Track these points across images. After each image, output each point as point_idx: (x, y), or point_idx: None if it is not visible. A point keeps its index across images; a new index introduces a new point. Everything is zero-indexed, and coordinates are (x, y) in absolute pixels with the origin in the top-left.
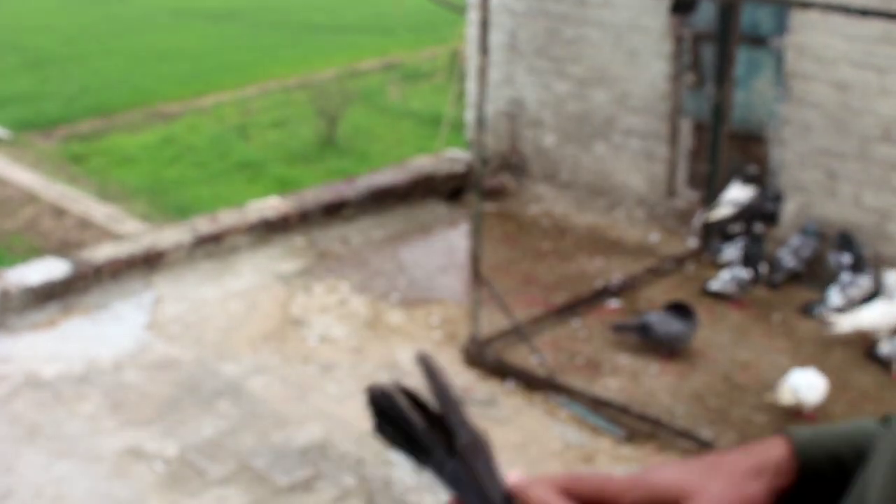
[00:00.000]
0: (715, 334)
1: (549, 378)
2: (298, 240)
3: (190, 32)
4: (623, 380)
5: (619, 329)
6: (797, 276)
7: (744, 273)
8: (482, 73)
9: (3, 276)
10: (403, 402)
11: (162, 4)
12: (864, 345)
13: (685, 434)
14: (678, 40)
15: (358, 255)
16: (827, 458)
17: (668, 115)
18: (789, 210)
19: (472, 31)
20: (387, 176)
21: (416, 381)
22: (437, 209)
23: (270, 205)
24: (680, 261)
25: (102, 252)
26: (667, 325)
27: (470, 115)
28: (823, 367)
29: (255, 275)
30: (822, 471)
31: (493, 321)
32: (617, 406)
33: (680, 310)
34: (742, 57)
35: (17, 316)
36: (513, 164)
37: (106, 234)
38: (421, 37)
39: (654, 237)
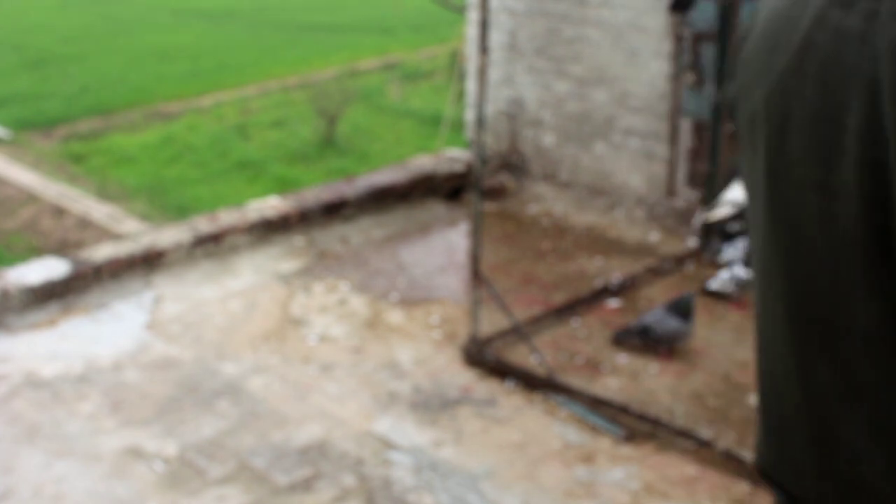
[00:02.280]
0: (714, 334)
1: (548, 378)
2: (298, 239)
3: (190, 32)
4: (623, 379)
5: (620, 337)
6: None
7: (742, 272)
8: (482, 72)
9: (3, 276)
10: None
11: (162, 4)
12: None
13: (685, 434)
14: (678, 40)
15: (358, 255)
16: None
17: (668, 115)
18: None
19: (471, 30)
20: (386, 175)
21: (416, 381)
22: (436, 209)
23: (270, 204)
24: (680, 260)
25: (102, 252)
26: (665, 323)
27: (470, 115)
28: None
29: (255, 274)
30: None
31: (492, 321)
32: (616, 406)
33: (679, 307)
34: None
35: (17, 315)
36: (513, 163)
37: (105, 234)
38: (421, 37)
39: (654, 237)
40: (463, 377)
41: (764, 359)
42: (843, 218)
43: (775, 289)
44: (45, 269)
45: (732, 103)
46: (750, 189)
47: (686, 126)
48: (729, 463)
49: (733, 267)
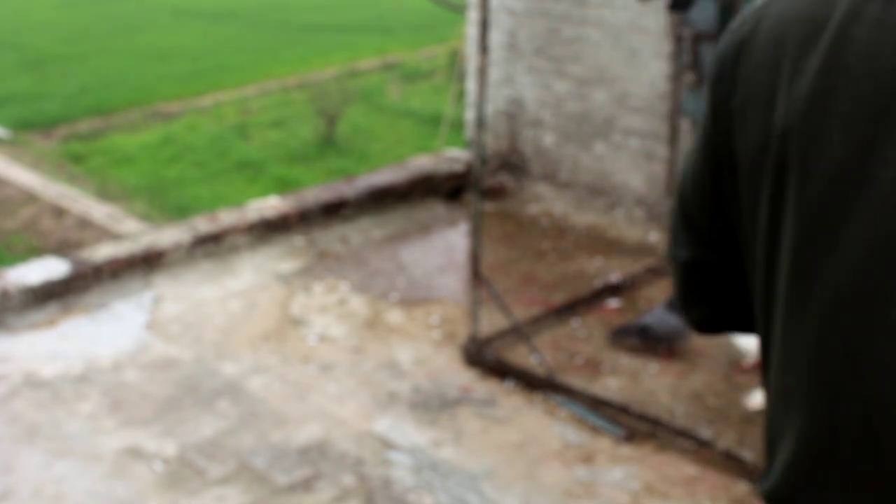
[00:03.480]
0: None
1: (548, 378)
2: (298, 239)
3: (190, 32)
4: (623, 379)
5: (619, 336)
6: None
7: None
8: (482, 72)
9: (3, 276)
10: None
11: (162, 4)
12: None
13: (685, 434)
14: (678, 40)
15: (357, 255)
16: None
17: (668, 115)
18: None
19: (471, 30)
20: (386, 175)
21: (416, 381)
22: (436, 209)
23: (270, 204)
24: None
25: (102, 251)
26: (666, 323)
27: (469, 115)
28: None
29: (255, 274)
30: None
31: (492, 321)
32: (616, 406)
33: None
34: None
35: (17, 315)
36: (512, 163)
37: (105, 234)
38: (421, 37)
39: (654, 237)
40: (463, 377)
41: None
42: (889, 210)
43: (811, 294)
44: (45, 269)
45: (727, 115)
46: (768, 205)
47: (686, 126)
48: (729, 463)
49: None
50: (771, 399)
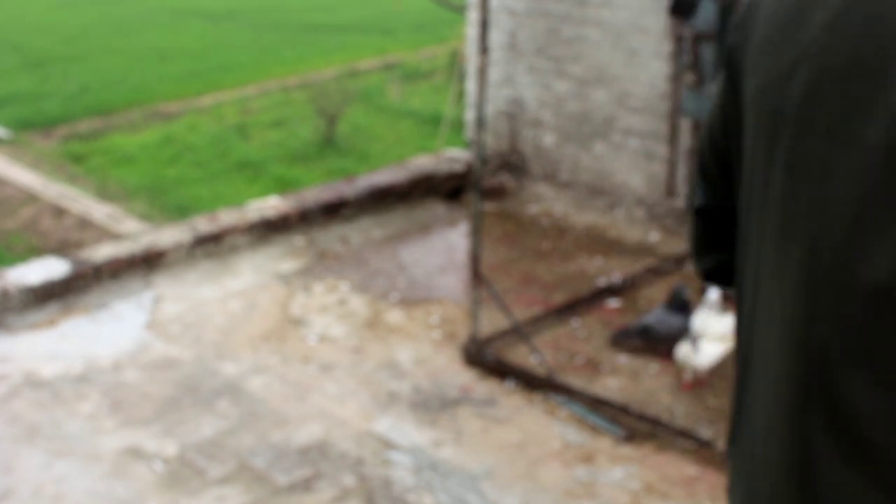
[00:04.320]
0: None
1: (548, 378)
2: (298, 239)
3: (190, 32)
4: (623, 379)
5: (620, 337)
6: None
7: None
8: (482, 72)
9: (3, 276)
10: None
11: (162, 4)
12: None
13: (685, 433)
14: (678, 40)
15: (357, 255)
16: None
17: (668, 115)
18: None
19: (471, 30)
20: (386, 175)
21: (416, 381)
22: (436, 209)
23: (270, 204)
24: (680, 261)
25: (102, 251)
26: (667, 323)
27: (470, 115)
28: None
29: (255, 274)
30: None
31: (492, 321)
32: (616, 405)
33: (676, 303)
34: None
35: (17, 315)
36: (512, 163)
37: (105, 234)
38: (421, 37)
39: (654, 237)
40: (463, 377)
41: (756, 334)
42: (871, 169)
43: (789, 252)
44: (45, 269)
45: (740, 59)
46: (761, 151)
47: (686, 126)
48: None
49: None
50: (742, 355)
